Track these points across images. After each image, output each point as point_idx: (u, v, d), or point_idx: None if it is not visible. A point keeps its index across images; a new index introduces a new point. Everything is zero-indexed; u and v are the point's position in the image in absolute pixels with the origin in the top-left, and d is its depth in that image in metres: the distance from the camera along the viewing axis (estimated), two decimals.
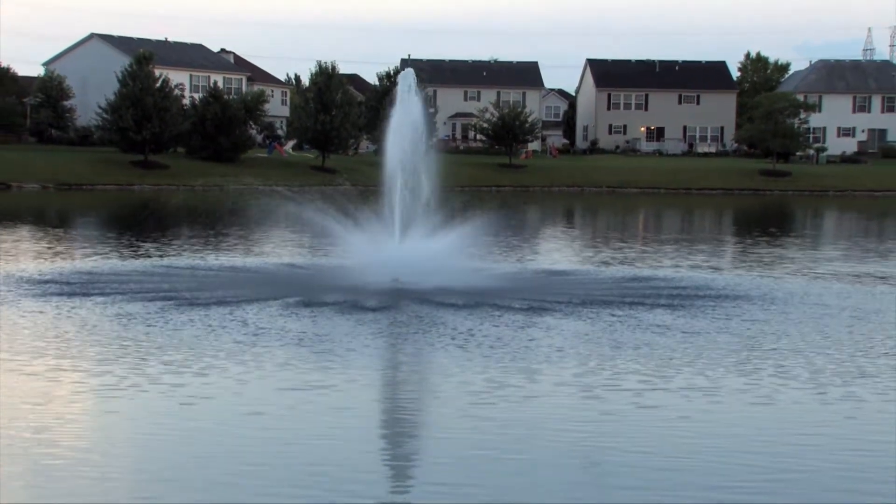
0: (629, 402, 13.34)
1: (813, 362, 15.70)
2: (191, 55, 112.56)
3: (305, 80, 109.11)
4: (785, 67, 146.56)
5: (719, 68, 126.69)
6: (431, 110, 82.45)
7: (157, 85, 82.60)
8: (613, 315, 19.62)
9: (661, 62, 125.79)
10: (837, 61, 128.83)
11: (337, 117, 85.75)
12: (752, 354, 16.31)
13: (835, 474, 10.69)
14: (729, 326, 18.74)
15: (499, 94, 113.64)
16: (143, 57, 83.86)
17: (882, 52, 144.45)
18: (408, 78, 26.56)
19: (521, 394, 13.69)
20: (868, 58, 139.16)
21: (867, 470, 10.91)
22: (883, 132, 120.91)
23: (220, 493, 9.76)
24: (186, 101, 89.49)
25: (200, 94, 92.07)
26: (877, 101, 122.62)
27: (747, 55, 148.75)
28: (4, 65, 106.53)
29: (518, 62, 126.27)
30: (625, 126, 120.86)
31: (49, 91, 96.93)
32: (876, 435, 12.29)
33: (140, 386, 13.65)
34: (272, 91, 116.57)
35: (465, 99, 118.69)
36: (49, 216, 51.75)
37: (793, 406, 13.46)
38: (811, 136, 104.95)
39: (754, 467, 10.79)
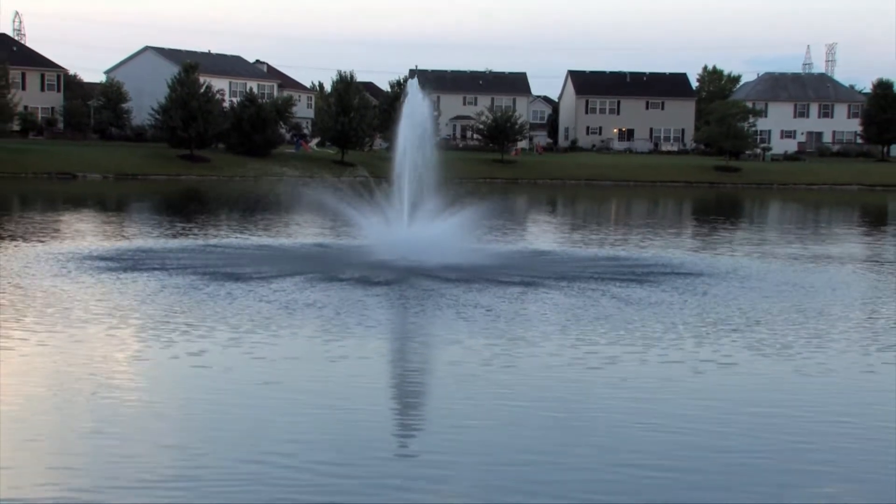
0: (609, 369, 12.99)
1: (779, 334, 15.34)
2: (230, 65, 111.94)
3: (328, 87, 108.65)
4: (736, 79, 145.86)
5: (681, 79, 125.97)
6: (435, 113, 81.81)
7: (202, 90, 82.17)
8: (594, 290, 19.29)
9: (632, 73, 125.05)
10: (781, 74, 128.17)
11: (354, 119, 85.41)
12: (718, 326, 15.97)
13: (809, 445, 10.33)
14: (695, 300, 18.40)
15: (493, 100, 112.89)
16: (190, 66, 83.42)
17: (819, 66, 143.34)
18: (415, 86, 26.40)
19: (515, 360, 13.36)
20: (807, 71, 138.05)
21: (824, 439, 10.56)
22: (819, 134, 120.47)
23: (246, 454, 9.43)
24: (226, 105, 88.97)
25: (238, 99, 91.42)
26: (814, 108, 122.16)
27: (705, 68, 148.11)
28: (72, 72, 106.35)
29: (509, 73, 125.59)
30: (600, 128, 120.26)
31: (110, 95, 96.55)
32: (838, 405, 11.96)
33: (177, 355, 13.32)
34: (299, 96, 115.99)
35: (464, 104, 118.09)
36: (108, 202, 51.39)
37: (759, 375, 13.08)
38: (758, 137, 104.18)
39: (718, 432, 10.47)
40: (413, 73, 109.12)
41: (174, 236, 29.72)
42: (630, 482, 8.69)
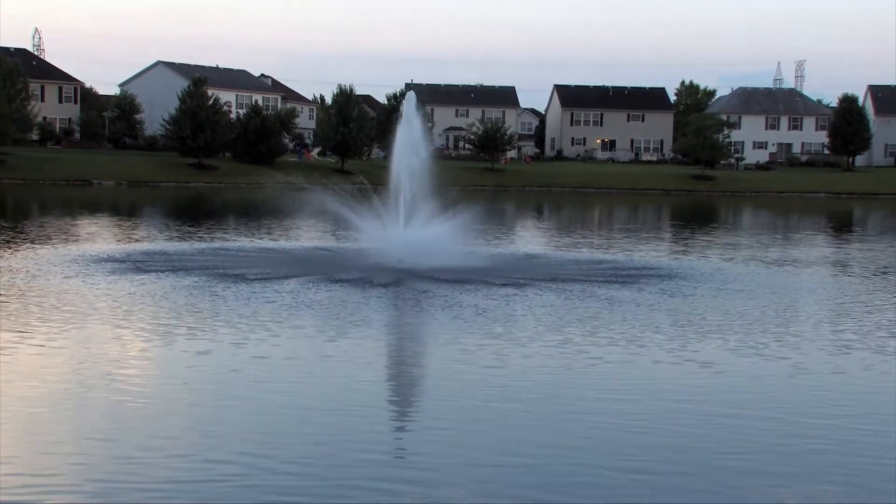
0: (596, 370, 12.80)
1: (757, 335, 15.14)
2: (237, 79, 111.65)
3: (329, 100, 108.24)
4: (712, 93, 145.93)
5: (660, 93, 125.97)
6: (429, 124, 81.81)
7: (210, 103, 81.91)
8: (582, 291, 19.08)
9: (614, 88, 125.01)
10: (753, 88, 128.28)
11: (354, 129, 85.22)
12: (701, 327, 15.77)
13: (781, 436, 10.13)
14: (678, 302, 18.21)
15: (483, 112, 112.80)
16: (199, 80, 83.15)
17: (789, 82, 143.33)
18: (411, 99, 26.32)
19: (505, 360, 13.12)
20: (777, 86, 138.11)
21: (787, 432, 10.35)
22: (789, 145, 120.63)
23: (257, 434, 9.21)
24: (233, 116, 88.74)
25: (244, 110, 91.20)
26: (784, 121, 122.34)
27: (682, 83, 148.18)
28: (88, 85, 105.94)
29: (499, 86, 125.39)
30: (584, 138, 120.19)
31: (123, 107, 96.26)
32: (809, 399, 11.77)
33: (182, 355, 13.11)
34: (302, 108, 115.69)
35: (457, 116, 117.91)
36: (121, 207, 51.06)
37: (740, 376, 12.89)
38: (732, 148, 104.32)
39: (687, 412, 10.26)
40: (409, 86, 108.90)
41: (183, 240, 29.46)
42: (614, 483, 8.43)
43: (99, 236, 30.31)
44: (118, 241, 28.76)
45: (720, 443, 9.53)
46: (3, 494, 7.68)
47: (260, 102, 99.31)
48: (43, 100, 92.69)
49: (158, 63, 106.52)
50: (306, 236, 32.30)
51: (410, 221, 23.75)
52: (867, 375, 12.74)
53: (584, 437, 9.66)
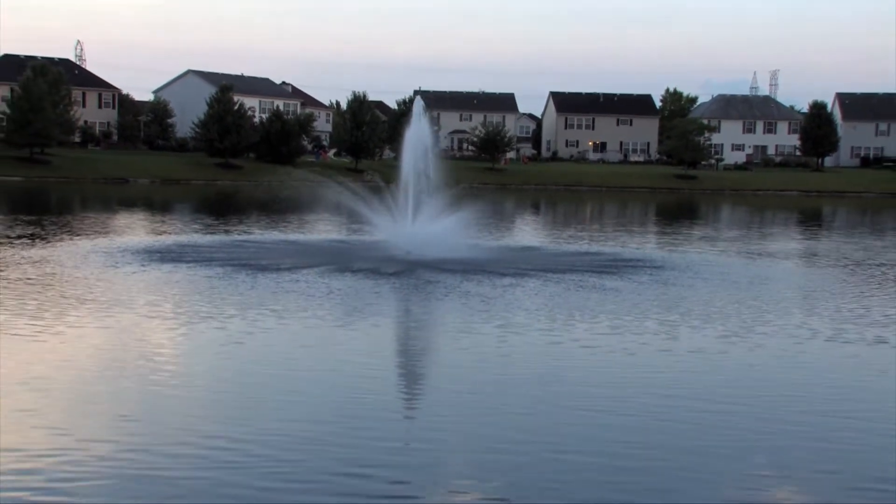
0: (583, 347, 12.56)
1: (746, 323, 14.88)
2: (260, 86, 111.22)
3: (344, 105, 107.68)
4: (693, 99, 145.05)
5: (646, 100, 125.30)
6: (435, 128, 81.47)
7: (236, 108, 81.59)
8: (578, 281, 18.82)
9: (605, 94, 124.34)
10: (732, 95, 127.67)
11: (366, 132, 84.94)
12: (691, 316, 15.50)
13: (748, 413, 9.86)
14: (672, 291, 17.94)
15: (485, 116, 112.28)
16: (226, 87, 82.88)
17: (764, 89, 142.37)
18: (419, 104, 26.15)
19: (506, 345, 12.89)
20: (753, 93, 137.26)
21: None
22: (764, 147, 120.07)
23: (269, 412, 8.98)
24: (256, 120, 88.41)
25: (266, 115, 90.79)
26: (760, 125, 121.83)
27: (667, 90, 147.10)
28: (125, 92, 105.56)
29: (499, 93, 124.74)
30: (577, 141, 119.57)
31: (157, 111, 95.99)
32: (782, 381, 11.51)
33: (207, 339, 12.89)
34: (319, 113, 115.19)
35: (461, 120, 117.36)
36: (155, 203, 50.82)
37: (725, 364, 12.62)
38: (712, 149, 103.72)
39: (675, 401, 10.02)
40: (417, 93, 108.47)
41: (210, 232, 29.22)
42: (599, 470, 8.18)
43: (135, 229, 30.08)
44: (152, 233, 28.52)
45: (711, 433, 9.26)
46: (32, 474, 7.45)
47: (281, 108, 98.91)
48: (84, 105, 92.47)
49: (189, 72, 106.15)
50: (323, 230, 32.05)
51: (418, 216, 23.50)
52: (852, 363, 12.48)
53: (574, 425, 9.38)
